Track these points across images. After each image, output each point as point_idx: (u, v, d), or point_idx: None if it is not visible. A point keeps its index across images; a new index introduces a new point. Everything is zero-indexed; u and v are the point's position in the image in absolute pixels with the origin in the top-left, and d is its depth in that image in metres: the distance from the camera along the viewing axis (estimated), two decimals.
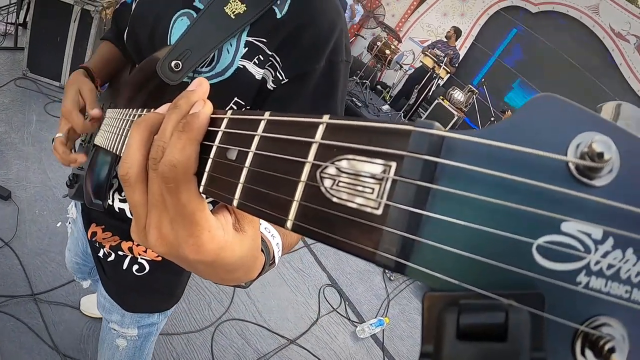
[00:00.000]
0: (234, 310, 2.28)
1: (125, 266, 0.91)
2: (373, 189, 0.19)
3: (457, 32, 6.19)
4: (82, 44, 3.05)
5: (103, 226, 0.92)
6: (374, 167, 0.19)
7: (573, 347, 0.15)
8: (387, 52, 6.11)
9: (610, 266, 0.14)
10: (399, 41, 6.64)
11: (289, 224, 0.22)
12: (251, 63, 0.69)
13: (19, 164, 2.39)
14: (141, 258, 0.90)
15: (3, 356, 1.58)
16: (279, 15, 0.68)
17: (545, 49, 6.22)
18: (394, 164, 0.18)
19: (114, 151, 0.58)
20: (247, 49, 0.68)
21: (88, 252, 1.07)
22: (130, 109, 0.53)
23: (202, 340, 2.05)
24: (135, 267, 0.91)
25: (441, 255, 0.17)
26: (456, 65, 6.10)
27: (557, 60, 6.08)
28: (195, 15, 0.70)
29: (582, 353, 0.15)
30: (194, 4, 0.71)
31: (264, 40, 0.68)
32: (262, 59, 0.69)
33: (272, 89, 0.70)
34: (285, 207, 0.22)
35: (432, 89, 5.86)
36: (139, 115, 0.48)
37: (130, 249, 0.89)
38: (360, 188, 0.19)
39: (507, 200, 0.15)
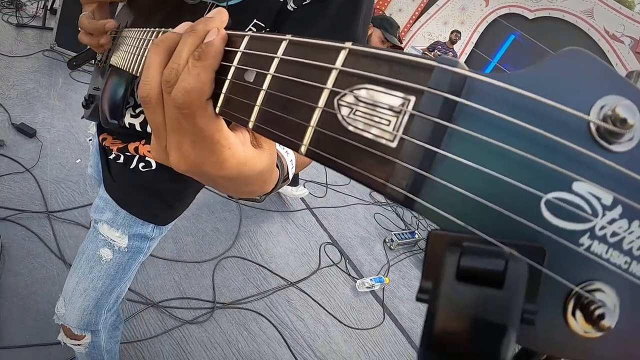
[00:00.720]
0: (237, 250, 2.37)
1: (132, 165, 0.90)
2: (390, 121, 0.19)
3: (459, 35, 6.45)
4: None
5: (113, 136, 0.94)
6: (393, 99, 0.19)
7: (565, 306, 0.15)
8: None
9: (614, 234, 0.14)
10: (401, 49, 6.94)
11: (303, 149, 0.22)
12: None
13: (45, 112, 2.60)
14: (148, 158, 0.90)
15: (10, 260, 1.67)
16: None
17: (542, 53, 6.44)
18: (413, 98, 0.18)
19: (130, 71, 0.59)
20: None
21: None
22: (147, 29, 0.54)
23: (203, 270, 2.14)
24: (142, 164, 0.91)
25: (450, 196, 0.17)
26: None
27: None
28: None
29: (573, 313, 0.15)
30: None
31: None
32: None
33: (292, 9, 0.69)
34: (300, 132, 0.23)
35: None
36: (157, 35, 0.49)
37: (136, 149, 0.89)
38: (377, 119, 0.19)
39: (522, 150, 0.15)
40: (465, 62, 6.76)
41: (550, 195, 0.15)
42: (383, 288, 2.66)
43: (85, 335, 1.04)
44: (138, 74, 0.53)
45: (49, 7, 3.68)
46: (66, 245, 1.85)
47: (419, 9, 7.71)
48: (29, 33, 3.51)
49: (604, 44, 5.98)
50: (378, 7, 7.69)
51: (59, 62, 3.26)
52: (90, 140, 1.22)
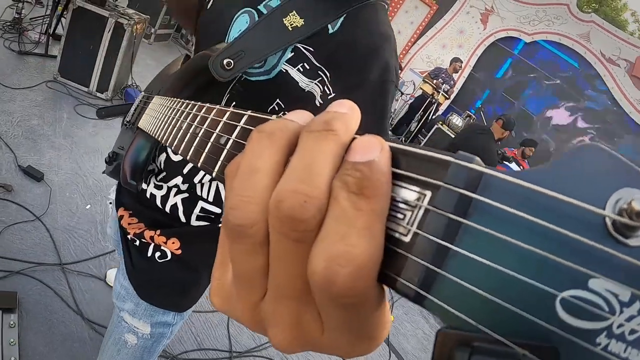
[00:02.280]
0: None
1: (149, 254, 0.90)
2: (405, 215, 0.19)
3: (461, 65, 6.56)
4: (113, 53, 3.29)
5: (130, 211, 0.93)
6: (409, 193, 0.19)
7: None
8: None
9: (632, 331, 0.14)
10: (401, 69, 7.01)
11: None
12: (295, 69, 0.69)
13: (51, 152, 2.55)
14: (162, 247, 0.89)
15: (28, 317, 1.64)
16: (330, 31, 0.69)
17: (540, 77, 6.57)
18: (429, 193, 0.18)
19: (156, 137, 0.58)
20: (293, 54, 0.69)
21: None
22: (178, 100, 0.54)
23: (219, 319, 2.13)
24: (158, 254, 0.90)
25: (462, 293, 0.16)
26: (450, 95, 6.46)
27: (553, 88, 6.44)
28: (256, 16, 0.72)
29: None
30: (258, 7, 0.73)
31: (312, 49, 0.69)
32: (307, 67, 0.69)
33: (319, 105, 0.69)
34: None
35: (432, 115, 6.15)
36: (187, 106, 0.45)
37: (152, 238, 0.89)
38: (392, 212, 0.19)
39: (537, 247, 0.15)
40: (464, 84, 6.89)
41: (566, 294, 0.15)
42: None
43: None
44: (164, 141, 0.51)
45: (51, 33, 3.62)
46: (82, 299, 1.83)
47: (417, 31, 7.79)
48: (31, 61, 3.45)
49: (600, 68, 6.11)
50: None
51: (63, 95, 3.22)
52: (110, 203, 1.23)
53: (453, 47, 7.47)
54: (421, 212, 0.18)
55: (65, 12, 3.28)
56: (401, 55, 7.88)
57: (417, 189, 0.18)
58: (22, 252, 1.86)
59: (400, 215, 0.19)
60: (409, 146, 0.19)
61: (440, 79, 6.29)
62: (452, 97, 6.82)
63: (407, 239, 0.18)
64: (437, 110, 6.31)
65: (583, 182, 0.15)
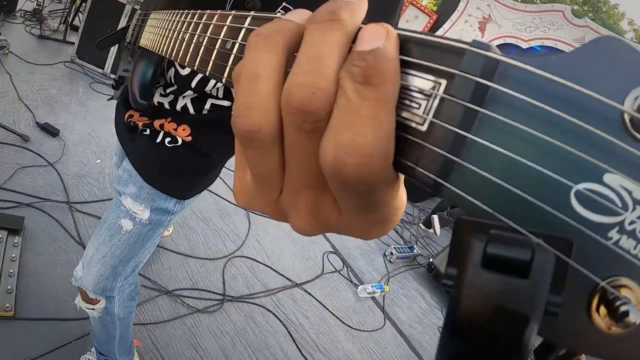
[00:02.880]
0: (245, 251, 2.46)
1: (158, 140, 0.91)
2: (420, 105, 0.18)
3: None
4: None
5: (140, 112, 0.95)
6: (424, 82, 0.18)
7: (590, 301, 0.15)
8: None
9: None
10: None
11: None
12: None
13: (67, 116, 2.73)
14: (172, 132, 0.90)
15: (31, 242, 1.75)
16: None
17: None
18: (444, 82, 0.18)
19: (160, 52, 0.57)
20: None
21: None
22: (178, 10, 0.52)
23: (214, 266, 2.23)
24: (168, 139, 0.90)
25: (479, 181, 0.16)
26: None
27: None
28: None
29: (597, 309, 0.15)
30: None
31: None
32: None
33: None
34: None
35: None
36: (189, 16, 0.43)
37: (162, 126, 0.89)
38: (407, 102, 0.19)
39: (554, 138, 0.15)
40: None
41: (581, 186, 0.15)
42: (383, 295, 2.75)
43: (100, 300, 1.07)
44: (168, 56, 0.49)
45: (69, 23, 3.89)
46: (86, 234, 1.94)
47: None
48: (50, 45, 3.71)
49: None
50: None
51: (79, 74, 3.44)
52: (114, 151, 1.25)
53: None
54: (437, 101, 0.18)
55: (83, 5, 3.53)
56: None
57: (432, 77, 0.18)
58: (34, 190, 1.99)
59: (415, 105, 0.19)
60: (422, 34, 0.19)
61: None
62: None
63: (423, 128, 0.18)
64: None
65: (603, 75, 0.15)
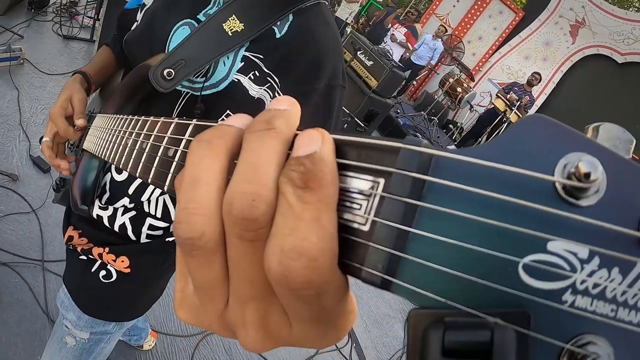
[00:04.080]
0: None
1: (93, 269, 0.90)
2: (361, 205, 0.19)
3: (540, 79, 5.94)
4: None
5: (80, 231, 0.92)
6: (362, 183, 0.19)
7: None
8: (459, 89, 5.99)
9: (596, 285, 0.15)
10: (472, 80, 6.47)
11: None
12: (246, 78, 0.69)
13: None
14: (110, 266, 0.88)
15: (1, 309, 1.70)
16: (278, 35, 0.69)
17: (630, 102, 5.67)
18: (382, 180, 0.18)
19: (102, 157, 0.57)
20: (243, 63, 0.69)
21: None
22: (122, 116, 0.52)
23: (185, 345, 2.03)
24: (103, 272, 0.89)
25: (427, 273, 0.17)
26: (528, 111, 5.83)
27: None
28: (196, 26, 0.71)
29: None
30: (198, 16, 0.72)
31: (261, 56, 0.69)
32: (258, 75, 0.69)
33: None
34: None
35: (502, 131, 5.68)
36: (130, 122, 0.43)
37: (100, 255, 0.88)
38: (348, 203, 0.19)
39: (493, 219, 0.16)
40: (545, 102, 6.15)
41: (527, 259, 0.15)
42: None
43: None
44: (110, 160, 0.50)
45: (97, 17, 3.73)
46: (52, 301, 1.85)
47: (500, 39, 7.11)
48: (74, 46, 3.63)
49: None
50: (456, 33, 7.18)
51: None
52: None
53: (537, 60, 6.76)
54: (377, 199, 0.18)
55: None
56: (480, 63, 7.31)
57: (370, 177, 0.19)
58: (11, 244, 1.94)
59: (356, 206, 0.19)
60: (356, 136, 0.20)
61: (512, 93, 5.73)
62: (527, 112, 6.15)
63: (366, 227, 0.18)
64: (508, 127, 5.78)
65: (530, 152, 0.16)
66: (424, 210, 0.17)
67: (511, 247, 0.15)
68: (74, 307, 0.95)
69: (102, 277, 0.89)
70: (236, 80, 0.69)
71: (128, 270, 0.86)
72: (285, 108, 0.21)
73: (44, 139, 0.87)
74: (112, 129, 0.55)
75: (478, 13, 7.13)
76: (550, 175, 0.15)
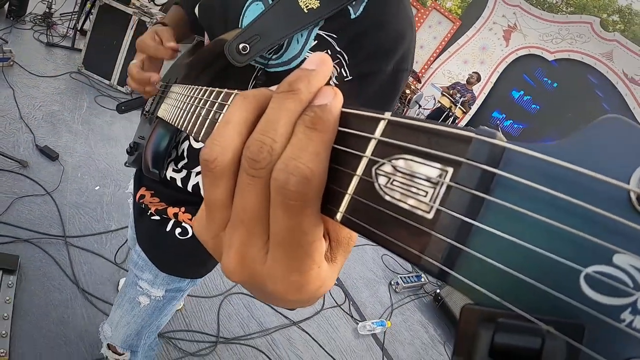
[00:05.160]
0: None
1: (168, 228, 0.92)
2: (427, 192, 0.19)
3: (478, 78, 6.52)
4: (135, 49, 3.46)
5: (152, 191, 0.95)
6: (431, 170, 0.19)
7: None
8: (407, 91, 6.46)
9: None
10: (419, 82, 7.01)
11: (338, 216, 0.22)
12: None
13: (68, 136, 2.68)
14: (185, 224, 0.91)
15: (26, 280, 1.73)
16: (352, 15, 0.69)
17: (560, 95, 6.48)
18: (451, 170, 0.18)
19: (176, 125, 0.58)
20: (316, 42, 0.69)
21: None
22: (196, 87, 0.53)
23: (210, 305, 2.17)
24: (178, 230, 0.91)
25: (486, 269, 0.16)
26: (471, 107, 6.38)
27: (572, 106, 6.32)
28: (270, 1, 0.72)
29: None
30: None
31: (335, 35, 0.69)
32: (329, 54, 0.68)
33: (332, 85, 0.68)
34: (337, 199, 0.23)
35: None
36: (205, 94, 0.46)
37: (176, 215, 0.90)
38: (414, 189, 0.19)
39: (561, 222, 0.15)
40: (484, 101, 6.80)
41: (590, 269, 0.14)
42: (384, 332, 2.67)
43: (126, 353, 1.20)
44: (184, 129, 0.51)
45: (79, 28, 3.83)
46: (80, 271, 1.91)
47: (440, 46, 7.82)
48: (57, 53, 3.66)
49: (622, 87, 6.00)
50: None
51: (85, 86, 3.39)
52: (130, 200, 1.26)
53: (475, 63, 7.46)
54: (443, 188, 0.18)
55: (92, 9, 3.47)
56: (423, 70, 7.93)
57: (439, 165, 0.19)
58: (30, 222, 1.95)
59: (422, 193, 0.19)
60: (431, 123, 0.20)
61: (455, 90, 6.28)
62: (473, 112, 6.76)
63: (430, 215, 0.18)
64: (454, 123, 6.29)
65: (607, 155, 0.15)
66: (491, 205, 0.17)
67: (576, 254, 0.15)
68: (150, 267, 0.97)
69: (179, 234, 0.91)
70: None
71: None
72: (313, 68, 0.24)
73: (132, 62, 0.88)
74: (186, 98, 0.56)
75: (419, 24, 7.74)
76: (625, 184, 0.14)
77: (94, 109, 3.13)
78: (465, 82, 6.53)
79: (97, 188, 2.39)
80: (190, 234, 0.92)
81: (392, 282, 3.23)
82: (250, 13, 0.73)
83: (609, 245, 0.14)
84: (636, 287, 0.14)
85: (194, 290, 2.19)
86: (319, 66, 0.24)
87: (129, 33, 3.37)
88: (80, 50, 3.59)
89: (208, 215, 0.26)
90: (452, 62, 7.76)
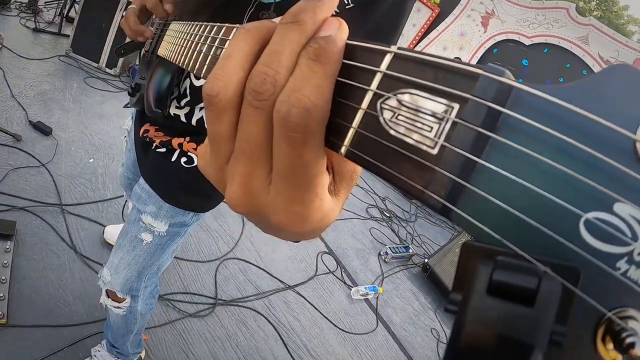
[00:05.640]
0: (238, 252, 2.46)
1: (174, 158, 0.92)
2: (432, 128, 0.19)
3: (459, 62, 6.64)
4: (123, 32, 3.45)
5: (156, 126, 0.95)
6: (437, 105, 0.19)
7: (595, 331, 0.15)
8: None
9: None
10: None
11: (343, 149, 0.22)
12: None
13: (60, 113, 2.71)
14: (191, 153, 0.91)
15: (24, 246, 1.75)
16: None
17: (538, 80, 6.67)
18: (457, 106, 0.18)
19: (177, 63, 0.58)
20: None
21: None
22: (196, 22, 0.52)
23: (207, 269, 2.23)
24: (184, 159, 0.91)
25: (488, 207, 0.16)
26: None
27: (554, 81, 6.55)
28: None
29: (603, 339, 0.15)
30: None
31: None
32: None
33: (334, 14, 0.74)
34: (341, 133, 0.22)
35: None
36: (206, 30, 0.45)
37: (180, 145, 0.90)
38: (419, 124, 0.19)
39: (565, 166, 0.15)
40: None
41: (590, 215, 0.15)
42: (377, 297, 2.75)
43: (126, 299, 1.17)
44: (185, 66, 0.50)
45: (64, 15, 3.83)
46: (77, 237, 1.94)
47: (420, 34, 7.96)
48: (45, 38, 3.67)
49: (598, 69, 6.17)
50: None
51: (74, 68, 3.41)
52: (125, 137, 1.27)
53: (454, 49, 7.60)
54: (449, 124, 0.18)
55: None
56: None
57: (445, 101, 0.18)
58: (26, 192, 1.98)
59: (427, 128, 0.19)
60: (438, 58, 0.19)
61: None
62: None
63: (434, 151, 0.18)
64: None
65: (615, 103, 0.15)
66: (496, 143, 0.17)
67: (578, 199, 0.15)
68: (154, 198, 0.96)
69: (184, 162, 0.91)
70: None
71: None
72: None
73: (130, 6, 0.88)
74: (186, 35, 0.55)
75: None
76: (632, 133, 0.14)
77: (84, 89, 3.16)
78: None
79: (91, 160, 2.43)
80: (195, 162, 0.91)
81: (382, 253, 3.30)
82: None
83: (610, 193, 0.14)
84: (634, 237, 0.14)
85: (191, 255, 2.24)
86: None
87: (118, 15, 3.39)
88: (67, 36, 3.59)
89: (212, 149, 0.26)
90: (432, 49, 7.88)
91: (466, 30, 7.57)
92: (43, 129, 2.40)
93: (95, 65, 3.54)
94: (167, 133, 0.94)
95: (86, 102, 3.00)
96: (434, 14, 7.86)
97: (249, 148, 0.24)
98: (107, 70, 3.59)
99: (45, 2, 4.13)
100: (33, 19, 3.71)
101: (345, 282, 2.74)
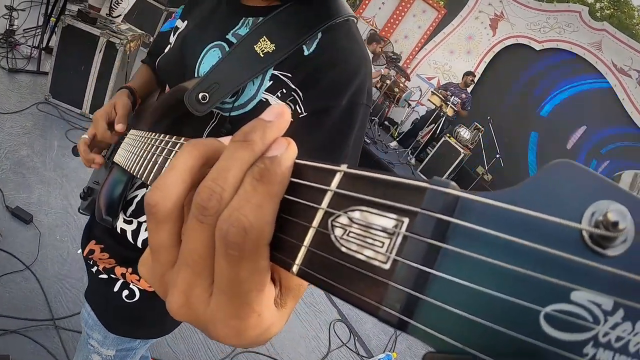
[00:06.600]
0: None
1: (116, 288, 0.89)
2: (383, 243, 0.19)
3: (472, 78, 6.25)
4: (106, 74, 3.13)
5: (102, 245, 0.92)
6: (387, 221, 0.19)
7: None
8: (396, 90, 6.19)
9: (619, 338, 0.14)
10: (408, 79, 6.73)
11: (294, 268, 0.22)
12: (274, 97, 0.69)
13: (41, 188, 2.44)
14: (133, 285, 0.89)
15: None
16: (306, 53, 0.69)
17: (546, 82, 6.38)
18: (406, 220, 0.18)
19: (130, 171, 0.58)
20: (271, 82, 0.69)
21: None
22: (153, 134, 0.52)
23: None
24: (126, 292, 0.89)
25: (446, 316, 0.16)
26: (469, 109, 6.05)
27: None
28: (226, 48, 0.72)
29: None
30: (227, 36, 0.73)
31: (289, 75, 0.69)
32: (284, 92, 0.69)
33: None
34: (293, 251, 0.22)
35: (440, 127, 5.90)
36: (162, 143, 0.45)
37: (123, 275, 0.87)
38: (370, 240, 0.19)
39: (517, 265, 0.15)
40: (470, 92, 6.61)
41: (549, 308, 0.15)
42: None
43: None
44: (137, 175, 0.51)
45: (44, 46, 3.47)
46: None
47: (425, 36, 7.57)
48: (22, 80, 3.32)
49: (611, 78, 5.92)
50: (384, 33, 7.51)
51: (55, 118, 3.10)
52: (79, 251, 1.21)
53: (461, 53, 7.27)
54: (400, 238, 0.18)
55: (58, 24, 3.10)
56: (408, 60, 7.68)
57: (395, 216, 0.19)
58: (14, 308, 1.78)
59: (378, 243, 0.19)
60: (384, 174, 0.20)
61: (449, 92, 5.99)
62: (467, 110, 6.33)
63: (387, 266, 0.18)
64: (445, 123, 5.97)
65: (558, 198, 0.15)
66: (447, 252, 0.17)
67: (534, 295, 0.15)
68: (100, 326, 0.93)
69: (125, 297, 0.89)
70: (264, 100, 0.69)
71: (152, 288, 0.86)
72: (270, 120, 0.24)
73: (82, 136, 0.91)
74: (143, 145, 0.55)
75: (403, 13, 7.48)
76: (577, 223, 0.15)
77: (66, 148, 2.85)
78: (459, 82, 6.25)
79: (79, 252, 2.17)
80: (137, 297, 0.89)
81: None
82: (207, 61, 0.73)
83: (565, 284, 0.15)
84: (596, 321, 0.14)
85: (200, 355, 2.06)
86: (277, 118, 0.24)
87: (98, 57, 3.05)
88: (46, 74, 3.24)
89: (153, 257, 0.27)
90: (438, 52, 7.54)
91: (474, 33, 7.24)
92: (23, 217, 2.14)
93: (79, 111, 3.23)
94: (112, 255, 0.91)
95: (69, 167, 2.71)
96: (440, 16, 7.47)
97: (192, 260, 0.24)
98: (92, 116, 3.27)
99: (24, 30, 3.73)
100: (8, 56, 3.32)
101: (359, 354, 2.64)
